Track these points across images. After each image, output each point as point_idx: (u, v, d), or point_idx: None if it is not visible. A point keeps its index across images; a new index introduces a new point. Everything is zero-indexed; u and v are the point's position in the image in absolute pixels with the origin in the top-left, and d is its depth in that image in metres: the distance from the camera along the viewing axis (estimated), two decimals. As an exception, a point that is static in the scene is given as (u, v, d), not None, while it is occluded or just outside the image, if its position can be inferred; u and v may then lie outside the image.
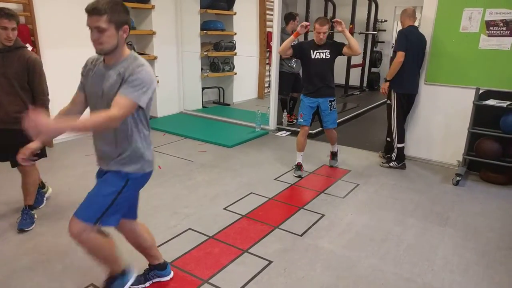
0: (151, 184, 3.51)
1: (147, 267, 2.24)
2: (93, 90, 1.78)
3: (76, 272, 2.30)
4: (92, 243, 1.79)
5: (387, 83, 3.97)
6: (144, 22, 5.60)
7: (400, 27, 4.05)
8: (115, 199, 1.79)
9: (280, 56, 5.29)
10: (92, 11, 1.64)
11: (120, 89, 1.65)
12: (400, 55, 3.80)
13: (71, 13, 4.50)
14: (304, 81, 3.89)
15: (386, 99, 4.28)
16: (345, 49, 3.64)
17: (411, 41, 3.82)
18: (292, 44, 3.70)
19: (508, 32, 3.66)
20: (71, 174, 3.76)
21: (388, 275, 2.34)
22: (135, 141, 1.81)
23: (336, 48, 3.68)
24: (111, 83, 1.70)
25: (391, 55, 9.71)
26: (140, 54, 5.64)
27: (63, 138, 4.65)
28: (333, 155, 4.17)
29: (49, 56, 4.35)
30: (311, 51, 3.69)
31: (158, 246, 2.55)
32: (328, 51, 3.67)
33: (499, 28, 3.70)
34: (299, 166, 3.90)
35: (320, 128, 5.39)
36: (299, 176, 3.85)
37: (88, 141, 4.89)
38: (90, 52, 4.96)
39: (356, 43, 3.58)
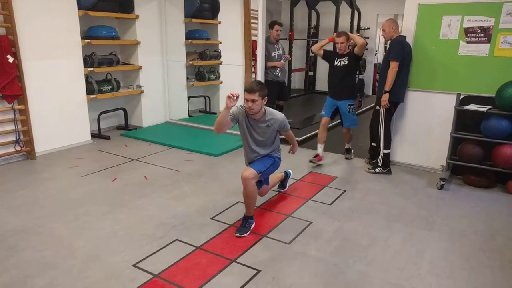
0: (137, 195, 3.52)
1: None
2: (250, 134, 2.99)
3: (58, 287, 2.25)
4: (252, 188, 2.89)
5: (387, 95, 3.92)
6: (128, 32, 5.57)
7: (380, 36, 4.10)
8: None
9: (266, 65, 5.32)
10: (250, 90, 2.80)
11: (283, 130, 3.13)
12: (395, 65, 3.82)
13: (52, 25, 4.48)
14: (328, 84, 4.53)
15: (374, 105, 4.27)
16: (355, 49, 4.24)
17: (405, 51, 3.89)
18: (324, 49, 4.44)
19: (486, 38, 3.76)
20: (54, 186, 3.68)
21: (376, 281, 2.35)
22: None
23: (352, 54, 4.28)
24: (262, 130, 2.98)
25: (375, 62, 9.90)
26: (125, 64, 5.61)
27: (46, 150, 4.58)
28: (347, 151, 4.72)
29: (31, 67, 4.29)
30: (335, 58, 4.34)
31: (145, 258, 2.53)
32: (347, 57, 4.27)
33: (477, 35, 3.80)
34: (315, 155, 4.43)
35: (306, 136, 5.48)
36: (311, 161, 4.39)
37: (71, 154, 4.83)
38: (69, 63, 5.13)
39: (358, 37, 4.25)
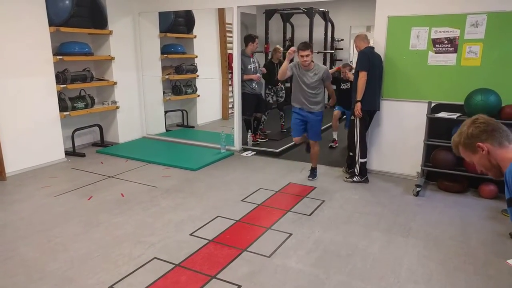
0: (113, 213, 3.45)
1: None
2: (302, 80, 4.07)
3: (32, 314, 2.15)
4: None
5: (359, 104, 4.02)
6: (102, 48, 5.51)
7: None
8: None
9: (242, 78, 5.35)
10: (304, 48, 3.92)
11: (325, 82, 4.15)
12: (364, 75, 3.94)
13: (22, 42, 4.39)
14: (338, 96, 5.41)
15: (350, 115, 4.38)
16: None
17: (372, 61, 4.00)
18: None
19: (453, 48, 3.90)
20: (26, 208, 3.56)
21: (356, 291, 2.36)
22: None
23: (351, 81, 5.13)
24: (311, 76, 4.06)
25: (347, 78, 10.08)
26: (99, 80, 5.54)
27: (17, 170, 4.43)
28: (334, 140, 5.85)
29: (0, 85, 4.17)
30: (340, 83, 5.57)
31: (122, 279, 2.46)
32: (349, 83, 5.36)
33: (444, 45, 3.94)
34: (333, 140, 5.88)
35: (285, 147, 5.51)
36: (330, 147, 5.78)
37: (45, 173, 4.67)
38: (41, 81, 5.07)
39: (350, 74, 5.34)
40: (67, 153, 5.07)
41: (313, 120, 4.18)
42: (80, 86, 5.17)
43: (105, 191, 3.98)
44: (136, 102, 6.05)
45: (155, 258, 2.71)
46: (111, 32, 5.40)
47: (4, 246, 2.87)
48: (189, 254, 2.76)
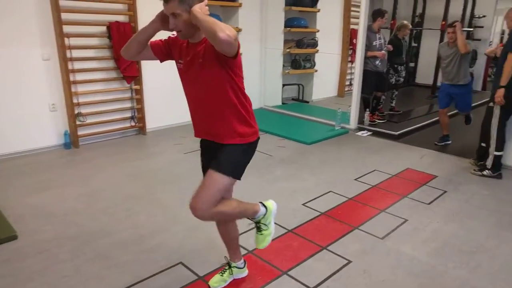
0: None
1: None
2: (443, 58, 4.60)
3: (164, 247, 2.50)
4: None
5: (502, 90, 3.55)
6: (232, 20, 5.81)
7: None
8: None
9: (365, 54, 5.15)
10: (448, 25, 4.49)
11: None
12: None
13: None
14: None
15: (488, 101, 3.90)
16: None
17: None
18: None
19: None
20: (162, 160, 4.09)
21: (479, 290, 2.19)
22: None
23: None
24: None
25: (495, 55, 8.89)
26: (226, 50, 5.85)
27: (154, 127, 5.05)
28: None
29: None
30: None
31: (241, 234, 2.67)
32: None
33: None
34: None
35: (404, 130, 5.21)
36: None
37: (175, 132, 5.18)
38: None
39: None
40: (194, 117, 5.57)
41: (460, 94, 4.55)
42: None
43: (226, 154, 4.30)
44: (257, 73, 6.29)
45: (269, 221, 2.88)
46: (240, 5, 5.64)
47: (147, 189, 3.37)
48: (301, 223, 2.86)
